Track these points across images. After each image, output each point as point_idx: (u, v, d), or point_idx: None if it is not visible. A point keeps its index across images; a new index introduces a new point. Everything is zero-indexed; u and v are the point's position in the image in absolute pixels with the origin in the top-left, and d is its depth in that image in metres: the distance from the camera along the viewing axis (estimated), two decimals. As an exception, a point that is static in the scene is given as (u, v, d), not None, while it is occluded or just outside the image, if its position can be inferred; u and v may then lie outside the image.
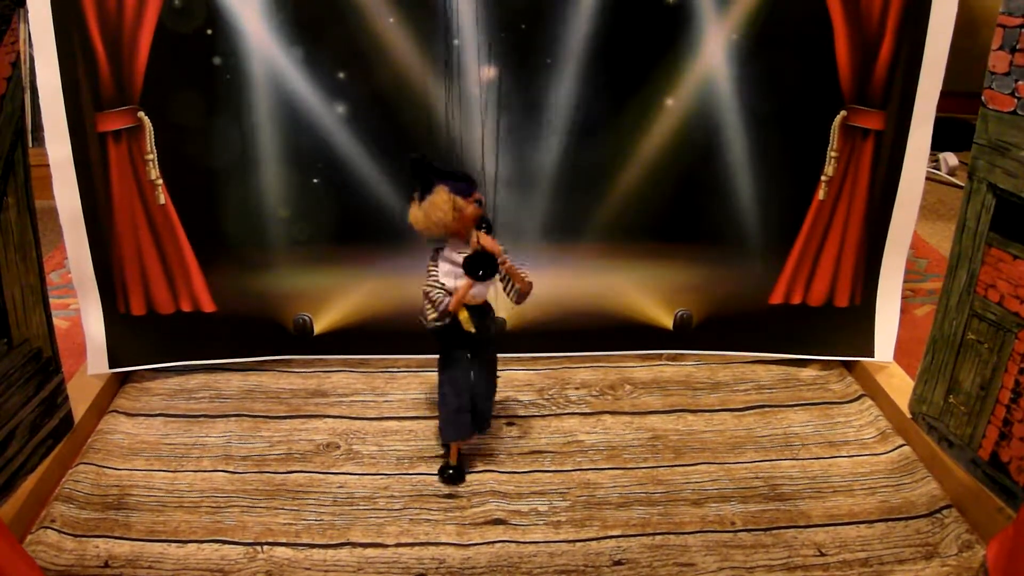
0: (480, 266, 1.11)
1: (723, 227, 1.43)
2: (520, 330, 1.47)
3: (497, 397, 1.38)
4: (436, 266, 1.15)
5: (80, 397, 1.32)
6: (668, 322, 1.49)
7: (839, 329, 1.46)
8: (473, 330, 1.15)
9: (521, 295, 1.17)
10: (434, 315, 1.15)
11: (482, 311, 1.17)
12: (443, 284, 1.14)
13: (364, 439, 1.31)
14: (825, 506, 1.16)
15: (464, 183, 1.11)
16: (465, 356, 1.19)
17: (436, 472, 1.22)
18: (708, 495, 1.18)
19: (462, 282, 1.13)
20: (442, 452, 1.26)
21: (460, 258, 1.13)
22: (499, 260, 1.12)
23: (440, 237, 1.14)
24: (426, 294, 1.15)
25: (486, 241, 1.12)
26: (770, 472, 1.23)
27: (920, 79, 1.29)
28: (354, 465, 1.25)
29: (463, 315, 1.14)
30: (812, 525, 1.12)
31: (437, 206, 1.09)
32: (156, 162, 1.34)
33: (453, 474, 1.22)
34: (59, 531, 1.09)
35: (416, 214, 1.12)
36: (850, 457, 1.26)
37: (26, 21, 1.22)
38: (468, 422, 1.21)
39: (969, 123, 1.13)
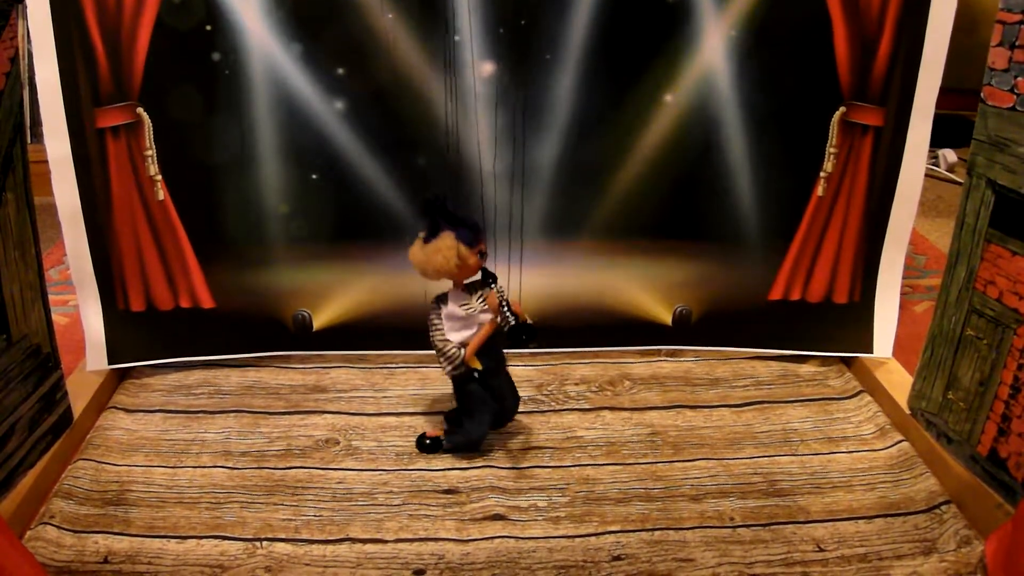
0: (523, 335, 1.14)
1: (722, 223, 1.43)
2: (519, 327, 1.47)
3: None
4: (440, 322, 1.17)
5: (79, 393, 1.32)
6: (667, 318, 1.49)
7: (838, 325, 1.46)
8: (480, 367, 1.18)
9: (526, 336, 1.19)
10: (450, 369, 1.18)
11: (489, 342, 1.19)
12: (451, 340, 1.17)
13: (363, 435, 1.31)
14: (824, 502, 1.16)
15: (471, 232, 1.13)
16: (479, 386, 1.21)
17: (435, 467, 1.22)
18: (707, 491, 1.18)
19: (471, 333, 1.17)
20: (440, 451, 1.26)
21: (463, 312, 1.16)
22: (517, 313, 1.15)
23: (434, 280, 1.16)
24: (440, 351, 1.18)
25: (519, 311, 1.15)
26: (769, 468, 1.23)
27: (919, 75, 1.29)
28: (353, 461, 1.25)
29: (473, 360, 1.18)
30: (811, 521, 1.12)
31: (440, 252, 1.11)
32: (155, 158, 1.33)
33: (430, 444, 1.25)
34: (58, 527, 1.09)
35: (417, 255, 1.14)
36: (849, 453, 1.27)
37: (25, 17, 1.22)
38: (482, 438, 1.25)
39: (968, 119, 1.13)
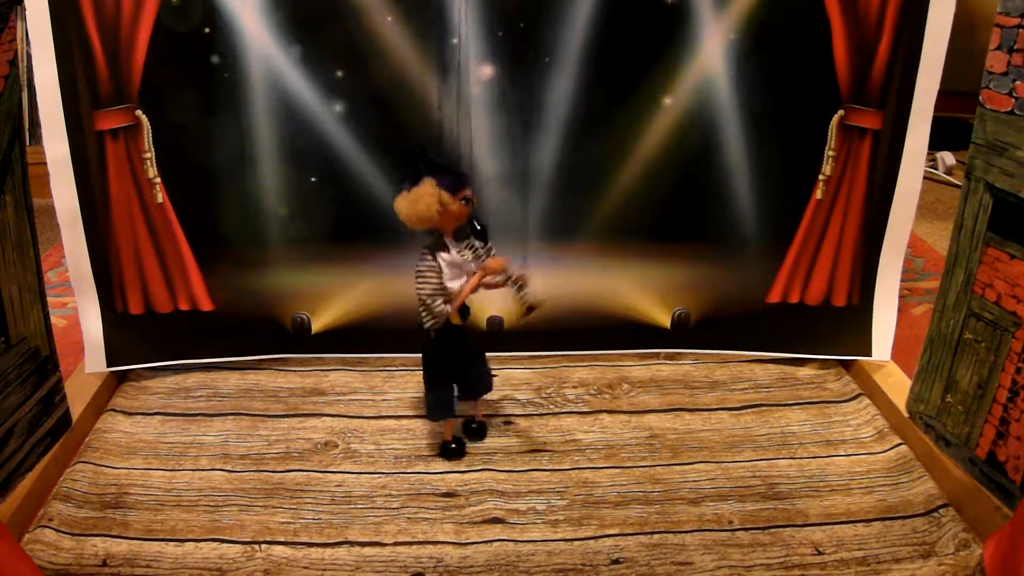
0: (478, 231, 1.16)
1: (721, 226, 1.43)
2: (518, 329, 1.47)
3: (495, 396, 1.38)
4: (435, 267, 1.14)
5: (78, 396, 1.32)
6: (666, 321, 1.49)
7: (837, 328, 1.46)
8: (460, 321, 1.18)
9: (530, 310, 1.20)
10: (432, 322, 1.15)
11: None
12: (445, 288, 1.14)
13: (362, 438, 1.31)
14: (822, 505, 1.16)
15: (452, 178, 1.12)
16: (449, 343, 1.20)
17: (434, 470, 1.22)
18: (706, 494, 1.18)
19: (461, 284, 1.15)
20: (439, 451, 1.26)
21: (460, 258, 1.14)
22: (512, 276, 1.18)
23: (423, 231, 1.14)
24: (424, 303, 1.14)
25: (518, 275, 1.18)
26: (767, 471, 1.23)
27: (918, 78, 1.29)
28: (352, 464, 1.25)
29: (454, 314, 1.17)
30: (809, 524, 1.13)
31: (421, 198, 1.10)
32: (154, 160, 1.33)
33: (456, 449, 1.24)
34: (57, 530, 1.09)
35: (400, 203, 1.12)
36: (847, 456, 1.27)
37: (24, 19, 1.22)
38: (451, 403, 1.24)
39: (967, 123, 1.13)
